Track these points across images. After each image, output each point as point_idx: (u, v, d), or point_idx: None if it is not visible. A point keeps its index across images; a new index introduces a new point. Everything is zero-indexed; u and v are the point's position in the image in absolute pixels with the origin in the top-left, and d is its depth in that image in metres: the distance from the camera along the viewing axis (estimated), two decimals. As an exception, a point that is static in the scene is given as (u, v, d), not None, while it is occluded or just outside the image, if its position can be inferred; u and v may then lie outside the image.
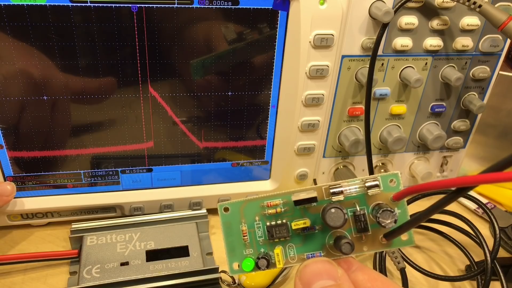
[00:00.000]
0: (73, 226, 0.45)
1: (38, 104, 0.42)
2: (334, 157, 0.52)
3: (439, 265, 0.48)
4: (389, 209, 0.27)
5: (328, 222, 0.26)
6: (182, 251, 0.44)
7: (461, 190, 0.23)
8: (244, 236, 0.28)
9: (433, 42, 0.46)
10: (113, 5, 0.39)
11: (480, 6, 0.41)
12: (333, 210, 0.26)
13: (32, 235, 0.48)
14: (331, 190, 0.27)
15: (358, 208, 0.28)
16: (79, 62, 0.41)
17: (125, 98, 0.44)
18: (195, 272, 0.41)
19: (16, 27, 0.38)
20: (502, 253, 0.48)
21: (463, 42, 0.47)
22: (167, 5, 0.40)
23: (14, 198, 0.45)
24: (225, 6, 0.41)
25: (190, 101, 0.46)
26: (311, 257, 0.28)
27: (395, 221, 0.27)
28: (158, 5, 0.40)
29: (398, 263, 0.43)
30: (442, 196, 0.24)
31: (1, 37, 0.38)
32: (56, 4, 0.38)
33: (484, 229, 0.51)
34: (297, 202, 0.27)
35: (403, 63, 0.47)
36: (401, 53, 0.47)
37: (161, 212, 0.49)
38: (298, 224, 0.27)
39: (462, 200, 0.55)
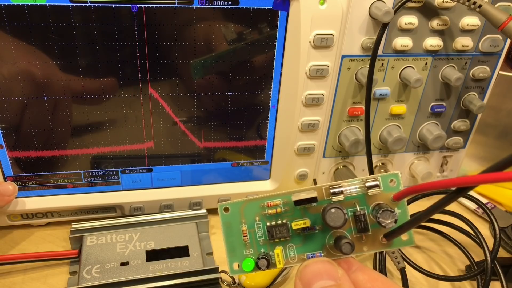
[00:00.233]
0: (73, 226, 0.45)
1: (38, 104, 0.42)
2: (334, 157, 0.52)
3: (439, 265, 0.48)
4: (389, 209, 0.27)
5: (328, 222, 0.26)
6: (182, 251, 0.44)
7: (461, 190, 0.23)
8: (244, 236, 0.28)
9: (433, 42, 0.46)
10: (113, 5, 0.39)
11: (480, 6, 0.41)
12: (333, 210, 0.26)
13: (32, 235, 0.48)
14: (331, 190, 0.27)
15: (358, 208, 0.28)
16: (79, 62, 0.41)
17: (125, 98, 0.44)
18: (195, 272, 0.41)
19: (16, 27, 0.38)
20: (502, 253, 0.48)
21: (463, 42, 0.47)
22: (167, 5, 0.40)
23: (15, 198, 0.45)
24: (225, 6, 0.41)
25: (190, 101, 0.46)
26: (311, 257, 0.28)
27: (395, 221, 0.27)
28: (158, 5, 0.40)
29: (398, 263, 0.43)
30: (442, 196, 0.24)
31: (1, 37, 0.38)
32: (56, 4, 0.38)
33: (484, 229, 0.51)
34: (297, 202, 0.27)
35: (403, 63, 0.47)
36: (401, 53, 0.47)
37: (161, 212, 0.49)
38: (298, 224, 0.27)
39: (462, 200, 0.56)
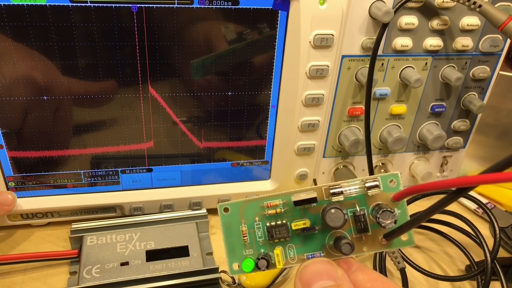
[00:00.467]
0: (73, 226, 0.45)
1: (38, 104, 0.42)
2: (334, 157, 0.52)
3: (439, 265, 0.48)
4: (389, 209, 0.27)
5: (328, 223, 0.26)
6: (182, 251, 0.44)
7: (461, 190, 0.23)
8: (244, 236, 0.28)
9: (433, 42, 0.46)
10: (113, 5, 0.39)
11: (480, 6, 0.41)
12: (333, 210, 0.26)
13: (32, 235, 0.48)
14: (331, 191, 0.27)
15: (358, 209, 0.28)
16: (79, 62, 0.41)
17: (125, 98, 0.44)
18: (195, 272, 0.41)
19: (16, 27, 0.38)
20: (502, 253, 0.48)
21: (463, 42, 0.47)
22: (167, 5, 0.40)
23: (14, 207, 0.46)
24: (225, 6, 0.41)
25: (190, 101, 0.46)
26: (311, 257, 0.28)
27: (395, 222, 0.27)
28: (158, 5, 0.40)
29: (398, 263, 0.43)
30: (442, 196, 0.24)
31: (1, 37, 0.38)
32: (56, 4, 0.38)
33: (484, 229, 0.51)
34: (297, 203, 0.27)
35: (403, 63, 0.47)
36: (401, 53, 0.47)
37: (161, 212, 0.49)
38: (298, 224, 0.27)
39: (462, 200, 0.56)
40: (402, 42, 0.45)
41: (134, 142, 0.46)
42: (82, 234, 0.45)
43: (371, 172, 0.50)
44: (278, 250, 0.28)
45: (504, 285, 0.41)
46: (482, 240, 0.43)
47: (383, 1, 0.43)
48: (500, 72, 0.52)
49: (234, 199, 0.28)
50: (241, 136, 0.49)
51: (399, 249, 0.44)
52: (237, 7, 0.41)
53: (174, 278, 0.40)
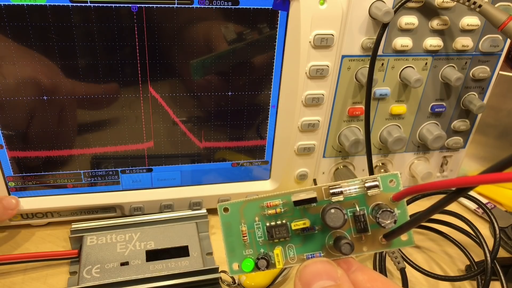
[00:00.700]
0: (73, 226, 0.45)
1: (38, 104, 0.42)
2: (334, 157, 0.52)
3: (439, 265, 0.48)
4: (388, 209, 0.27)
5: (328, 223, 0.26)
6: (182, 251, 0.44)
7: (461, 190, 0.23)
8: (244, 236, 0.28)
9: (433, 42, 0.46)
10: (113, 5, 0.39)
11: (480, 6, 0.41)
12: (332, 210, 0.26)
13: (32, 235, 0.48)
14: (331, 191, 0.27)
15: (357, 209, 0.28)
16: (79, 63, 0.41)
17: (125, 98, 0.44)
18: (195, 272, 0.41)
19: (16, 27, 0.38)
20: (502, 253, 0.47)
21: (463, 42, 0.47)
22: (167, 5, 0.40)
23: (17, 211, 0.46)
24: (225, 6, 0.41)
25: (190, 101, 0.46)
26: (311, 257, 0.28)
27: (395, 222, 0.27)
28: (158, 5, 0.40)
29: (398, 263, 0.43)
30: (442, 196, 0.24)
31: (1, 37, 0.38)
32: (56, 4, 0.38)
33: (484, 229, 0.51)
34: (297, 203, 0.27)
35: (403, 63, 0.47)
36: (401, 53, 0.47)
37: (161, 212, 0.49)
38: (298, 224, 0.27)
39: (462, 200, 0.55)
40: (402, 42, 0.45)
41: (134, 142, 0.46)
42: (82, 234, 0.45)
43: (371, 172, 0.50)
44: (278, 250, 0.28)
45: (504, 285, 0.41)
46: (482, 240, 0.43)
47: (383, 1, 0.43)
48: (500, 72, 0.52)
49: (234, 199, 0.28)
50: (241, 136, 0.49)
51: (399, 249, 0.44)
52: (237, 7, 0.41)
53: (174, 278, 0.40)
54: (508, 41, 0.49)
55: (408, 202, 0.47)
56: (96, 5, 0.38)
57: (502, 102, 0.56)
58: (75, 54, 0.40)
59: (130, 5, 0.39)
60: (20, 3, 0.37)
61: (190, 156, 0.49)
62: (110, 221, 0.46)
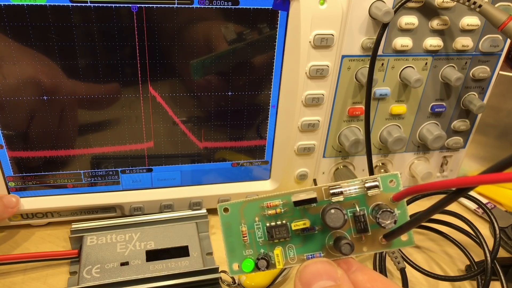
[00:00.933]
0: (73, 226, 0.45)
1: (38, 104, 0.42)
2: (334, 157, 0.52)
3: (439, 265, 0.48)
4: (388, 209, 0.27)
5: (328, 223, 0.26)
6: (182, 251, 0.44)
7: (461, 190, 0.23)
8: (244, 236, 0.28)
9: (433, 42, 0.46)
10: (113, 5, 0.39)
11: (480, 6, 0.41)
12: (332, 210, 0.26)
13: (32, 235, 0.48)
14: (331, 191, 0.27)
15: (357, 209, 0.28)
16: (79, 63, 0.41)
17: (125, 98, 0.44)
18: (195, 272, 0.41)
19: (16, 27, 0.38)
20: (502, 253, 0.47)
21: (463, 42, 0.47)
22: (167, 5, 0.40)
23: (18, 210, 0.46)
24: (225, 6, 0.41)
25: (190, 101, 0.46)
26: (311, 257, 0.28)
27: (395, 222, 0.27)
28: (158, 5, 0.39)
29: (398, 263, 0.43)
30: (442, 196, 0.24)
31: (1, 37, 0.38)
32: (56, 4, 0.38)
33: (484, 229, 0.51)
34: (297, 203, 0.27)
35: (403, 63, 0.47)
36: (401, 53, 0.47)
37: (161, 212, 0.49)
38: (298, 224, 0.27)
39: (462, 200, 0.55)
40: (402, 42, 0.45)
41: (134, 142, 0.46)
42: (82, 234, 0.45)
43: (371, 172, 0.50)
44: (278, 250, 0.28)
45: (504, 285, 0.41)
46: (482, 240, 0.43)
47: (383, 1, 0.43)
48: (500, 72, 0.52)
49: (234, 199, 0.28)
50: (241, 136, 0.49)
51: (399, 249, 0.44)
52: (237, 7, 0.41)
53: (174, 278, 0.40)
54: (508, 41, 0.49)
55: (408, 202, 0.47)
56: (96, 5, 0.38)
57: (502, 102, 0.56)
58: (75, 54, 0.40)
59: (130, 5, 0.39)
60: (20, 3, 0.37)
61: (190, 156, 0.49)
62: (110, 221, 0.46)
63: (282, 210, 0.28)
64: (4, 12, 0.37)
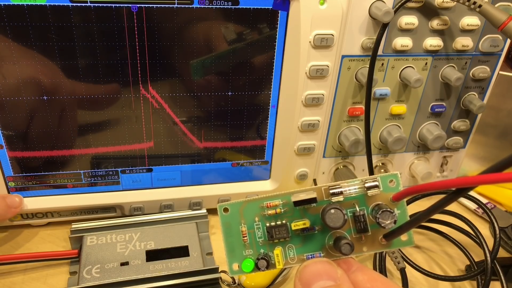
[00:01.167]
0: (73, 226, 0.45)
1: (38, 104, 0.42)
2: (334, 157, 0.52)
3: (439, 265, 0.48)
4: (388, 209, 0.27)
5: (328, 223, 0.26)
6: (182, 251, 0.44)
7: (461, 190, 0.23)
8: (244, 236, 0.28)
9: (433, 42, 0.46)
10: (113, 5, 0.39)
11: (480, 6, 0.41)
12: (332, 210, 0.26)
13: (33, 235, 0.48)
14: (331, 191, 0.27)
15: (357, 209, 0.28)
16: (79, 63, 0.41)
17: (125, 98, 0.44)
18: (195, 272, 0.41)
19: (16, 27, 0.38)
20: (502, 253, 0.47)
21: (463, 42, 0.47)
22: (167, 5, 0.40)
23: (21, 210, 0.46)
24: (225, 6, 0.41)
25: (190, 101, 0.46)
26: (311, 257, 0.28)
27: (395, 222, 0.27)
28: (158, 5, 0.39)
29: (398, 263, 0.43)
30: (442, 196, 0.24)
31: (1, 37, 0.38)
32: (56, 4, 0.38)
33: (484, 229, 0.51)
34: (297, 203, 0.27)
35: (403, 63, 0.47)
36: (401, 53, 0.47)
37: (161, 212, 0.49)
38: (298, 224, 0.27)
39: (462, 200, 0.55)
40: (402, 42, 0.45)
41: (134, 142, 0.46)
42: (82, 234, 0.45)
43: (371, 172, 0.50)
44: (278, 250, 0.28)
45: (504, 285, 0.41)
46: (482, 240, 0.43)
47: (383, 1, 0.43)
48: (500, 72, 0.52)
49: (234, 199, 0.28)
50: (241, 136, 0.49)
51: (399, 249, 0.44)
52: (237, 7, 0.41)
53: (174, 278, 0.40)
54: (508, 41, 0.49)
55: (408, 202, 0.47)
56: (96, 5, 0.38)
57: (502, 102, 0.56)
58: (75, 54, 0.40)
59: (130, 5, 0.39)
60: (20, 3, 0.37)
61: (190, 156, 0.49)
62: (110, 221, 0.46)
63: (282, 210, 0.28)
64: (4, 12, 0.37)
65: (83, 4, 0.38)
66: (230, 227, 0.28)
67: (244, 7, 0.41)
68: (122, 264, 0.42)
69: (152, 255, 0.43)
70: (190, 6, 0.40)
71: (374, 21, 0.44)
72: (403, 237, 0.28)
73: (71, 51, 0.40)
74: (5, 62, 0.39)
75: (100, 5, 0.38)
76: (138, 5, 0.39)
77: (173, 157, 0.48)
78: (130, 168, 0.48)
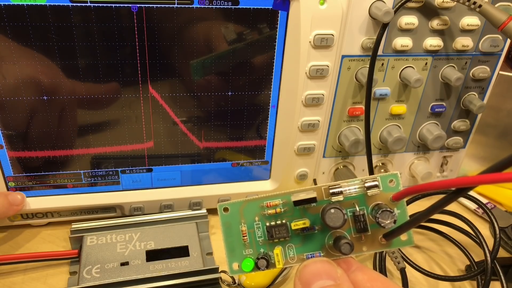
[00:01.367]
0: (73, 226, 0.45)
1: (38, 104, 0.42)
2: (334, 157, 0.52)
3: (439, 265, 0.48)
4: (388, 209, 0.27)
5: (328, 223, 0.26)
6: (182, 251, 0.44)
7: (461, 190, 0.23)
8: (244, 236, 0.28)
9: (433, 42, 0.46)
10: (113, 5, 0.39)
11: (480, 6, 0.41)
12: (332, 210, 0.26)
13: (33, 235, 0.48)
14: (331, 191, 0.27)
15: (357, 209, 0.28)
16: (79, 63, 0.41)
17: (125, 98, 0.44)
18: (195, 272, 0.41)
19: (16, 27, 0.38)
20: (502, 253, 0.47)
21: (463, 42, 0.47)
22: (167, 5, 0.40)
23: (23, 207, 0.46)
24: (225, 6, 0.41)
25: (190, 101, 0.46)
26: (311, 257, 0.28)
27: (395, 222, 0.27)
28: (158, 5, 0.40)
29: (398, 263, 0.43)
30: (442, 196, 0.24)
31: (1, 37, 0.38)
32: (56, 4, 0.38)
33: (484, 229, 0.51)
34: (297, 203, 0.27)
35: (403, 63, 0.47)
36: (401, 53, 0.47)
37: (161, 212, 0.49)
38: (298, 224, 0.27)
39: (462, 200, 0.55)
40: (402, 42, 0.45)
41: (134, 142, 0.46)
42: (82, 234, 0.45)
43: (371, 172, 0.50)
44: (277, 250, 0.28)
45: (504, 285, 0.41)
46: (482, 240, 0.43)
47: (383, 1, 0.43)
48: (500, 72, 0.52)
49: (234, 199, 0.28)
50: (241, 136, 0.49)
51: (399, 249, 0.44)
52: (237, 7, 0.41)
53: (174, 278, 0.40)
54: (508, 41, 0.49)
55: (408, 202, 0.47)
56: (96, 5, 0.38)
57: (502, 102, 0.56)
58: (75, 54, 0.40)
59: (130, 5, 0.39)
60: (20, 3, 0.37)
61: (190, 156, 0.49)
62: (110, 221, 0.46)
63: (282, 210, 0.28)
64: (4, 12, 0.37)
65: (83, 4, 0.38)
66: (230, 226, 0.28)
67: (244, 7, 0.41)
68: (122, 264, 0.42)
69: (152, 255, 0.43)
70: (190, 6, 0.40)
71: (374, 21, 0.44)
72: (403, 237, 0.28)
73: (71, 51, 0.40)
74: (5, 62, 0.39)
75: (100, 5, 0.38)
76: (138, 5, 0.39)
77: (173, 157, 0.48)
78: (130, 168, 0.48)
